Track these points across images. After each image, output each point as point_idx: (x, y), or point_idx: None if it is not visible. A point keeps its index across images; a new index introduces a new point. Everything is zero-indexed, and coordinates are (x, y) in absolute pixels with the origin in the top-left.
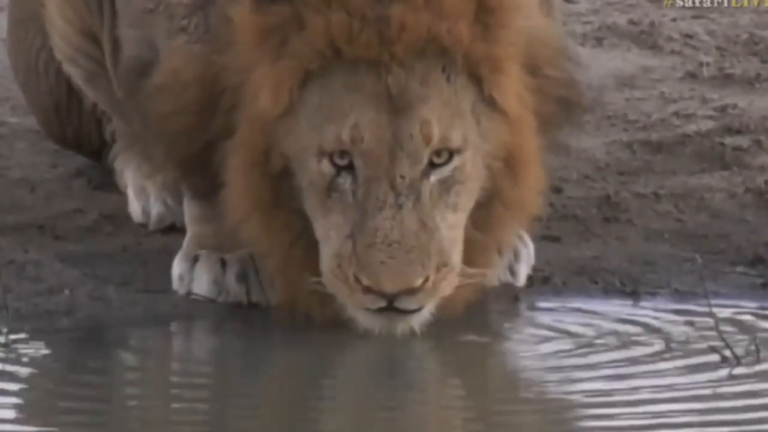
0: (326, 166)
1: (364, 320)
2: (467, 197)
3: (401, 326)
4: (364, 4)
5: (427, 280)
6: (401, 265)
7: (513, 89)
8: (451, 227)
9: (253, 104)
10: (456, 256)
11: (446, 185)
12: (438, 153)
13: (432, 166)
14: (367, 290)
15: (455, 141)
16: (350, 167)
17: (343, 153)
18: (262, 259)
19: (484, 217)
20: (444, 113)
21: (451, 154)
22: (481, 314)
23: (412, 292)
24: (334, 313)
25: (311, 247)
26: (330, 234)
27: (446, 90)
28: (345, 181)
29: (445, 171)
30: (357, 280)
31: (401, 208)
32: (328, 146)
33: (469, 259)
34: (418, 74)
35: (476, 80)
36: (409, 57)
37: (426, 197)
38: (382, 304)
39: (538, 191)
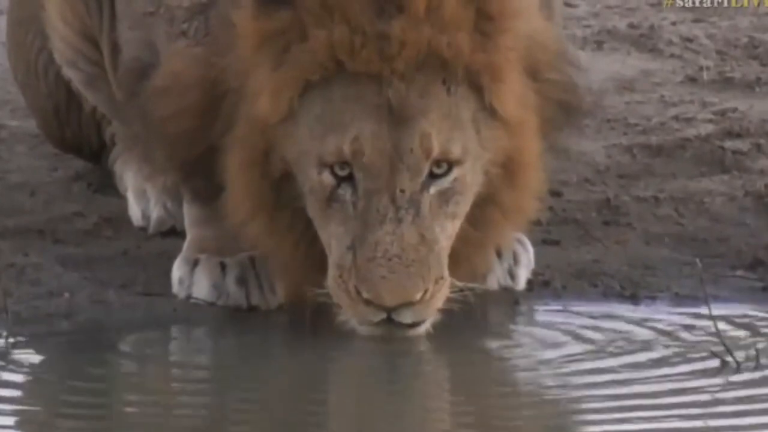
0: (327, 178)
1: (364, 331)
2: (465, 205)
3: (400, 339)
4: (364, 18)
5: (426, 292)
6: (401, 279)
7: (513, 96)
8: (449, 237)
9: (253, 107)
10: (446, 267)
11: (446, 196)
12: (437, 164)
13: (432, 177)
14: (368, 303)
15: (455, 153)
16: (350, 178)
17: (343, 164)
18: (266, 259)
19: (481, 218)
20: (444, 126)
21: (451, 165)
22: (481, 318)
23: (410, 305)
24: (336, 316)
25: (315, 246)
26: (331, 243)
27: (446, 102)
28: (345, 192)
29: (445, 182)
30: (357, 292)
31: (401, 222)
32: (329, 158)
33: (466, 257)
34: (418, 87)
35: (476, 90)
36: (410, 70)
37: (426, 209)
38: (383, 316)
39: (535, 195)
